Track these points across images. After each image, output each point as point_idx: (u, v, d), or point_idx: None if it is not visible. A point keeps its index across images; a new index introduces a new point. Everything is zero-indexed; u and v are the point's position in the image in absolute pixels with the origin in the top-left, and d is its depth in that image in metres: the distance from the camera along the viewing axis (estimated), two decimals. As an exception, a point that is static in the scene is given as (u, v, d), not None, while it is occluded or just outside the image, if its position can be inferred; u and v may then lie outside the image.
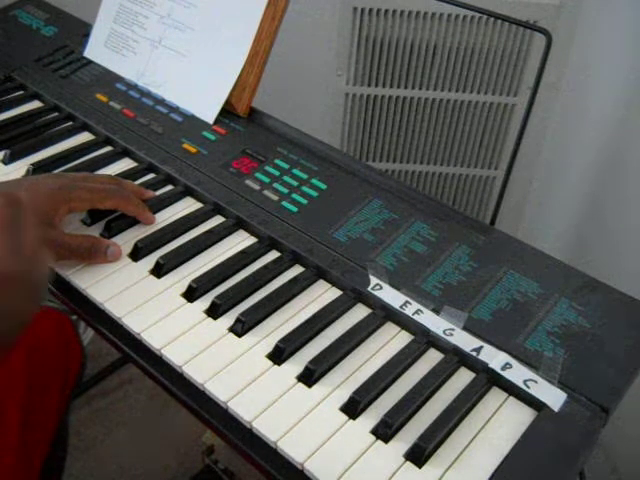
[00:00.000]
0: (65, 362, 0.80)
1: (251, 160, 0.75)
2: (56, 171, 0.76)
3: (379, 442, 0.50)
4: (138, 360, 0.57)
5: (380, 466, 0.49)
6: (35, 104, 0.88)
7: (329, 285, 0.64)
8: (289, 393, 0.53)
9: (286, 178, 0.73)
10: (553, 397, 0.53)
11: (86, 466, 1.29)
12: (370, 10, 1.18)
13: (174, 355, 0.55)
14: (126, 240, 0.66)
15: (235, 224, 0.69)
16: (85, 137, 0.82)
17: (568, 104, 1.29)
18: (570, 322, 0.58)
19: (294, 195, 0.71)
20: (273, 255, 0.66)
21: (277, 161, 0.75)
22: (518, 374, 0.54)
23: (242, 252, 0.66)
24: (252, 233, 0.69)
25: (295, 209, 0.69)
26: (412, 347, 0.57)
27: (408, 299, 0.60)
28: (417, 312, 0.59)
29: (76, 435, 1.29)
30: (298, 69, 1.38)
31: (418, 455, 0.49)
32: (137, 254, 0.65)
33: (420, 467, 0.49)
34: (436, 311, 0.59)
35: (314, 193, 0.71)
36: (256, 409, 0.51)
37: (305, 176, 0.73)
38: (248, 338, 0.58)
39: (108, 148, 0.80)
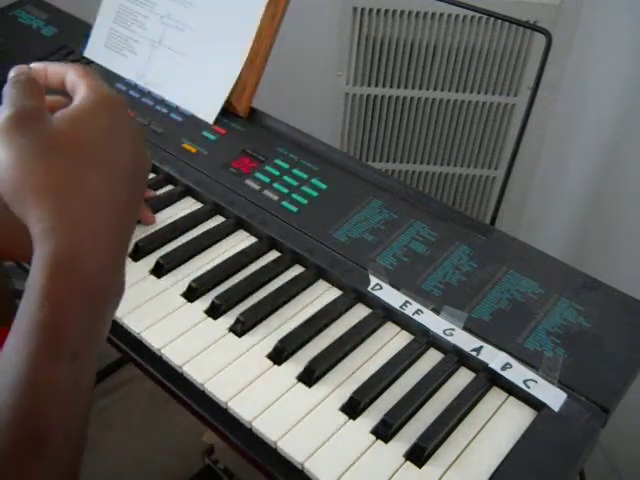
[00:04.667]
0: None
1: (251, 160, 0.75)
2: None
3: (379, 442, 0.50)
4: (138, 360, 0.57)
5: (380, 466, 0.49)
6: (35, 104, 0.88)
7: (329, 285, 0.64)
8: (289, 393, 0.53)
9: (286, 178, 0.73)
10: (553, 397, 0.53)
11: (86, 466, 1.29)
12: (370, 10, 1.18)
13: (174, 355, 0.55)
14: (126, 240, 0.66)
15: (235, 224, 0.69)
16: (85, 137, 0.82)
17: (568, 104, 1.28)
18: (570, 322, 0.58)
19: (294, 195, 0.71)
20: (273, 255, 0.66)
21: (277, 161, 0.75)
22: (518, 374, 0.54)
23: (242, 252, 0.66)
24: (252, 233, 0.69)
25: (295, 209, 0.69)
26: (412, 347, 0.57)
27: (408, 299, 0.60)
28: (417, 312, 0.59)
29: (76, 435, 1.29)
30: (298, 69, 1.38)
31: (418, 455, 0.49)
32: (137, 254, 0.65)
33: (420, 467, 0.49)
34: (436, 311, 0.59)
35: (314, 193, 0.71)
36: (256, 409, 0.51)
37: (305, 176, 0.73)
38: (248, 338, 0.58)
39: (108, 148, 0.80)
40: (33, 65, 0.43)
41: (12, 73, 0.41)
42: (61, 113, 0.38)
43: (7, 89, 0.39)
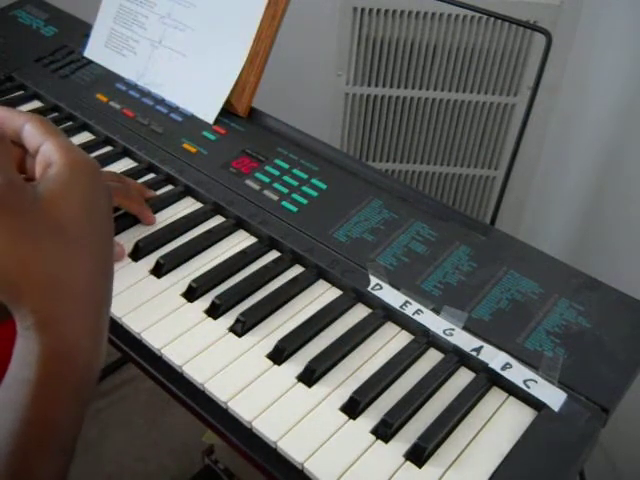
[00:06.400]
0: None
1: (251, 160, 0.75)
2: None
3: (379, 442, 0.50)
4: (138, 360, 0.57)
5: (380, 466, 0.49)
6: (35, 104, 0.88)
7: (329, 285, 0.64)
8: (289, 393, 0.53)
9: (286, 178, 0.73)
10: (553, 397, 0.53)
11: (86, 466, 1.29)
12: (370, 10, 1.18)
13: (174, 355, 0.55)
14: (126, 240, 0.66)
15: (235, 224, 0.69)
16: (85, 137, 0.82)
17: (568, 104, 1.28)
18: (570, 322, 0.58)
19: (294, 195, 0.71)
20: (273, 255, 0.66)
21: (277, 161, 0.75)
22: (518, 374, 0.54)
23: (242, 252, 0.66)
24: (252, 233, 0.69)
25: (295, 209, 0.69)
26: (412, 347, 0.57)
27: (408, 299, 0.60)
28: (417, 312, 0.59)
29: (76, 435, 1.29)
30: (298, 69, 1.38)
31: (418, 455, 0.49)
32: (137, 254, 0.65)
33: (420, 467, 0.49)
34: (436, 311, 0.59)
35: (314, 193, 0.71)
36: (256, 409, 0.51)
37: (305, 176, 0.73)
38: (248, 338, 0.58)
39: (108, 148, 0.80)
40: None
41: None
42: (44, 189, 0.35)
43: None
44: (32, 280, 0.33)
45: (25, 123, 0.38)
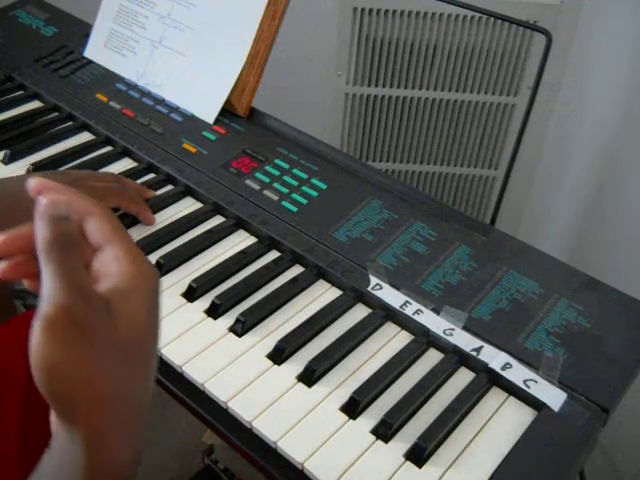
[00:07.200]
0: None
1: (251, 160, 0.75)
2: (56, 171, 0.75)
3: (379, 442, 0.50)
4: (138, 360, 0.57)
5: (380, 466, 0.49)
6: (35, 104, 0.88)
7: (329, 285, 0.64)
8: (289, 393, 0.53)
9: (286, 178, 0.73)
10: (553, 397, 0.53)
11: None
12: (370, 10, 1.18)
13: (174, 355, 0.55)
14: (126, 240, 0.66)
15: (235, 224, 0.69)
16: (85, 137, 0.82)
17: (568, 104, 1.28)
18: (570, 322, 0.58)
19: (294, 195, 0.71)
20: (273, 255, 0.67)
21: (277, 161, 0.75)
22: (518, 374, 0.54)
23: (242, 252, 0.66)
24: (252, 233, 0.69)
25: (295, 209, 0.69)
26: (412, 347, 0.57)
27: (408, 299, 0.60)
28: (417, 312, 0.59)
29: (76, 435, 1.29)
30: (298, 69, 1.38)
31: (418, 455, 0.49)
32: (137, 254, 0.65)
33: (420, 467, 0.49)
34: (436, 311, 0.59)
35: (314, 193, 0.71)
36: (256, 409, 0.51)
37: (305, 176, 0.73)
38: (248, 338, 0.58)
39: (108, 148, 0.80)
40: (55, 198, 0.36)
41: (45, 227, 0.34)
42: (114, 305, 0.34)
43: (48, 255, 0.33)
44: (92, 398, 0.33)
45: (90, 215, 0.36)
